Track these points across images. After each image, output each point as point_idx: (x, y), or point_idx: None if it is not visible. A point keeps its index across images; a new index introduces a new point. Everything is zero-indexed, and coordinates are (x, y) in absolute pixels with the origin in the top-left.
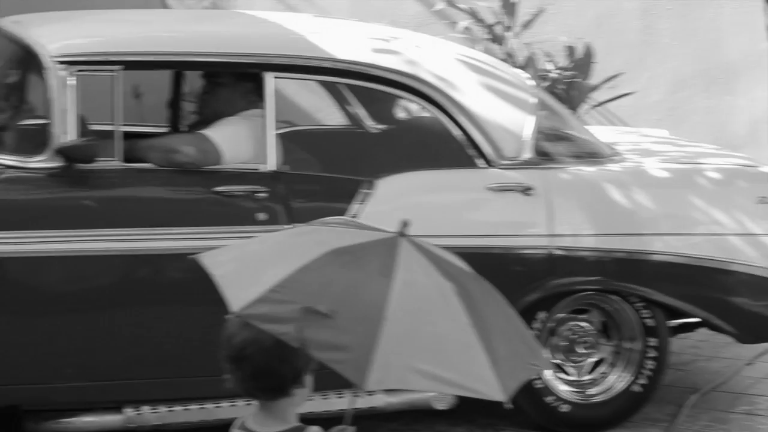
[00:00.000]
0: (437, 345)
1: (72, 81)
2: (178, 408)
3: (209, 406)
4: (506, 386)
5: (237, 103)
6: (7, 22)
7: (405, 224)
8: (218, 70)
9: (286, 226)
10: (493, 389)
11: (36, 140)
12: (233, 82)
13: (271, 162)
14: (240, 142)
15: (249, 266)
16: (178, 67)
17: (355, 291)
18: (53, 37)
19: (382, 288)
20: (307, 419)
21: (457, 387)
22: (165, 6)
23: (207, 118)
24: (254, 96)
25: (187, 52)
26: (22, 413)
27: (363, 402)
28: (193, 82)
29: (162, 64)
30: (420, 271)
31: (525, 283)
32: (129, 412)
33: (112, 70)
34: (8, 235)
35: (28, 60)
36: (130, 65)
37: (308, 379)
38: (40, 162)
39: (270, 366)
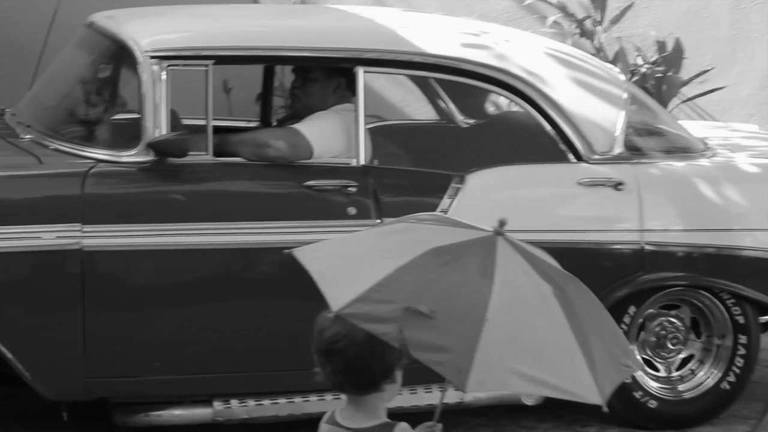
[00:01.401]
0: (536, 347)
1: (164, 75)
2: (266, 402)
3: (297, 399)
4: (602, 389)
5: (328, 98)
6: (100, 17)
7: (502, 223)
8: (309, 65)
9: (376, 221)
10: (590, 392)
11: (128, 134)
12: (325, 77)
13: (362, 156)
14: (331, 137)
15: (348, 263)
16: (269, 62)
17: (456, 291)
18: (146, 32)
19: (482, 289)
20: (395, 414)
21: (556, 390)
22: (255, 1)
23: (298, 113)
24: (345, 91)
25: (278, 47)
26: (111, 406)
27: (451, 397)
28: (284, 76)
29: (253, 59)
30: (518, 271)
31: (615, 278)
32: (218, 405)
33: (203, 65)
34: (99, 229)
35: (120, 55)
36: (221, 60)
37: (398, 375)
38: (131, 156)
39: (361, 360)
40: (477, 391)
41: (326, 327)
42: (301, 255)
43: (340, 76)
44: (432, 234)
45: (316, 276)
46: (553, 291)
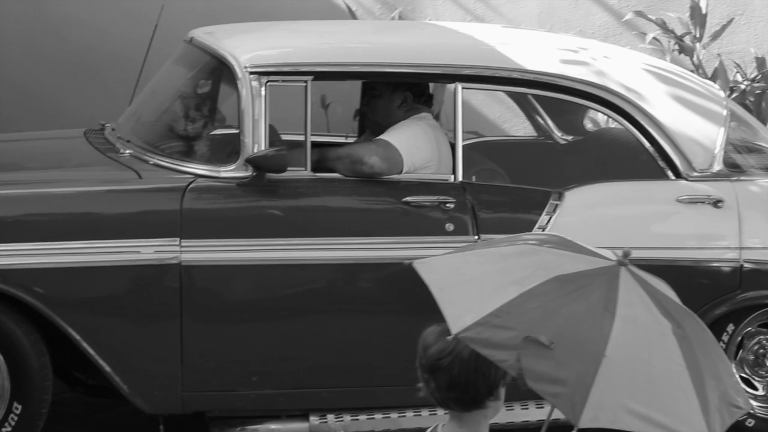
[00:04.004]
0: (652, 386)
1: (263, 91)
2: (362, 417)
3: (394, 415)
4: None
5: (394, 113)
6: (200, 33)
7: (626, 254)
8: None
9: (473, 237)
10: None
11: (227, 150)
12: (388, 93)
13: (460, 172)
14: (417, 144)
15: (469, 284)
16: (367, 78)
17: (577, 323)
18: (245, 47)
19: (603, 323)
20: (497, 431)
21: (668, 430)
22: (353, 17)
23: (371, 130)
24: (413, 104)
25: (376, 63)
26: (208, 420)
27: (543, 414)
28: None
29: (352, 75)
30: (640, 306)
31: (713, 296)
32: (314, 420)
33: (302, 81)
34: (198, 244)
35: (220, 70)
36: (320, 76)
37: (502, 392)
38: (230, 171)
39: (466, 377)
40: (589, 426)
41: (431, 343)
42: (421, 268)
43: (405, 90)
44: (555, 260)
45: (435, 292)
46: (672, 329)
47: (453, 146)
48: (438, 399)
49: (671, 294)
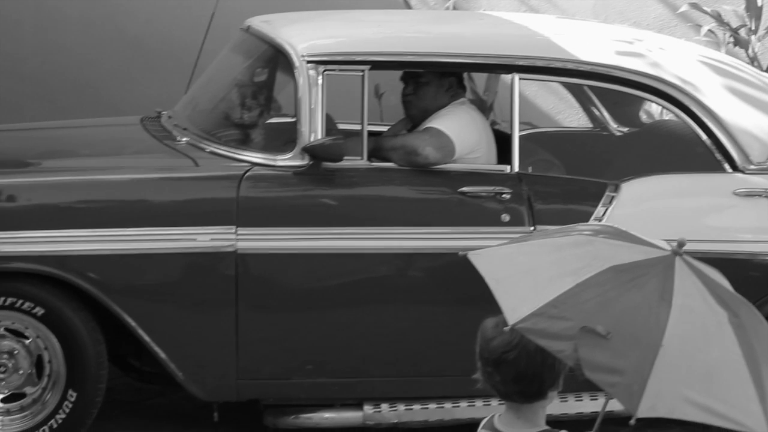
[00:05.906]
0: (709, 375)
1: (320, 80)
2: (416, 406)
3: (447, 405)
4: None
5: (442, 98)
6: (257, 21)
7: (681, 244)
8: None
9: (529, 228)
10: (759, 424)
11: (283, 138)
12: (437, 79)
13: (516, 163)
14: (465, 128)
15: (525, 274)
16: (424, 68)
17: (633, 313)
18: (303, 36)
19: (660, 313)
20: (551, 422)
21: (725, 419)
22: (408, 7)
23: (415, 119)
24: (458, 89)
25: (433, 53)
26: (263, 407)
27: (598, 406)
28: None
29: (408, 65)
30: (696, 296)
31: None
32: (368, 409)
33: (359, 70)
34: (254, 232)
35: (277, 59)
36: (376, 65)
37: (561, 381)
38: (287, 160)
39: (533, 370)
40: (647, 416)
41: (494, 336)
42: (476, 259)
43: (450, 75)
44: (611, 251)
45: (491, 283)
46: (728, 318)
47: (510, 137)
48: (501, 391)
49: (725, 283)
